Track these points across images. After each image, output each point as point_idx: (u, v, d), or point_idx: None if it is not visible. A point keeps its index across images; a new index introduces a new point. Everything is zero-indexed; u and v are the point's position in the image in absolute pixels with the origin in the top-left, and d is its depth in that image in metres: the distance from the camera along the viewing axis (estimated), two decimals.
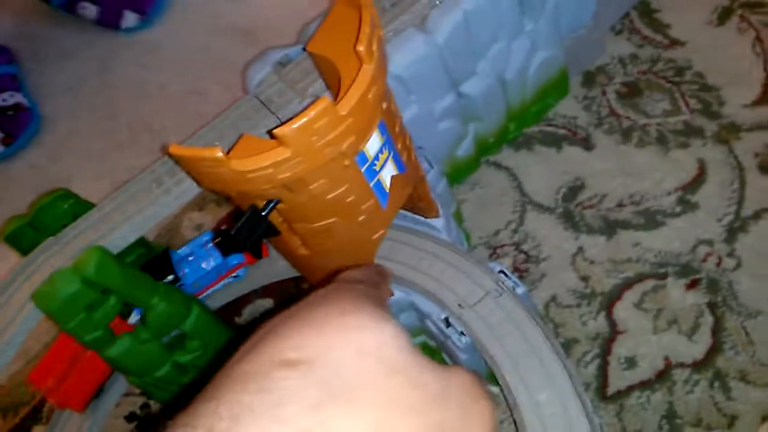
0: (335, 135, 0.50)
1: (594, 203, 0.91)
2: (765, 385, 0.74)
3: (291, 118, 0.47)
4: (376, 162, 0.58)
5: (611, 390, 0.78)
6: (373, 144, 0.57)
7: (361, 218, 0.61)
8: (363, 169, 0.57)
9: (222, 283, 0.84)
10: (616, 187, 0.91)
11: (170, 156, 0.52)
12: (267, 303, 0.99)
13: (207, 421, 0.19)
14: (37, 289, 0.68)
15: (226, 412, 0.19)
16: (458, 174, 0.98)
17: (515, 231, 0.92)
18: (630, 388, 0.78)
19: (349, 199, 0.58)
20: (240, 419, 0.19)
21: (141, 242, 0.88)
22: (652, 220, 0.87)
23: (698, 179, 0.89)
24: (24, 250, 0.77)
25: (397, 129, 0.61)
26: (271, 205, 0.56)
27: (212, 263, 0.81)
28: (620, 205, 0.90)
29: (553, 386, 0.66)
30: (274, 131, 0.48)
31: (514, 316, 0.71)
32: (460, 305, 0.73)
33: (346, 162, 0.54)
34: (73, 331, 0.70)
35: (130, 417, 0.94)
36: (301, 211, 0.58)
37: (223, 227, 0.84)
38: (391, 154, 0.60)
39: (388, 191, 0.62)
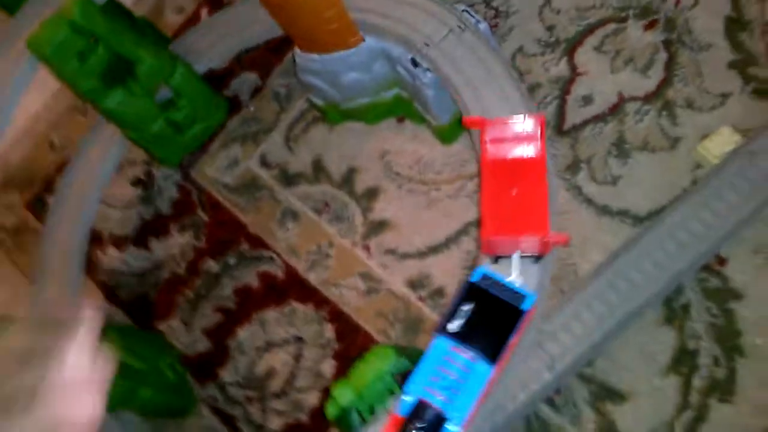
0: None
1: None
2: (709, 109, 0.81)
3: None
4: None
5: (567, 125, 0.85)
6: None
7: None
8: None
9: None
10: None
11: None
12: (252, 77, 1.04)
13: None
14: (29, 36, 0.73)
15: None
16: None
17: None
18: (585, 122, 0.85)
19: None
20: None
21: (123, 11, 0.92)
22: None
23: None
24: (13, 9, 0.81)
25: None
26: None
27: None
28: None
29: (508, 106, 0.72)
30: None
31: (476, 50, 0.76)
32: (426, 44, 0.77)
33: None
34: (68, 80, 0.77)
35: (135, 182, 1.04)
36: None
37: None
38: None
39: None
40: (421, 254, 0.87)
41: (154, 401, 0.80)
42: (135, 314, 0.96)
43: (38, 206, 1.07)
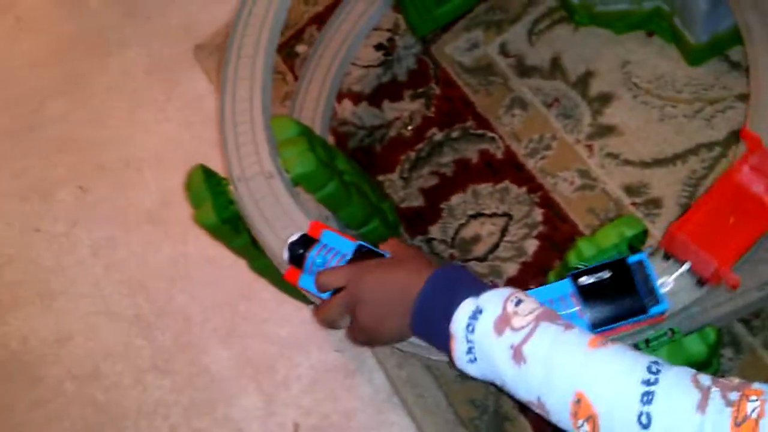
0: None
1: None
2: None
3: None
4: None
5: None
6: None
7: None
8: None
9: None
10: None
11: None
12: None
13: None
14: None
15: None
16: None
17: None
18: None
19: None
20: None
21: None
22: None
23: None
24: None
25: None
26: None
27: None
28: None
29: None
30: None
31: None
32: None
33: None
34: None
35: (378, 47, 1.13)
36: None
37: None
38: None
39: None
40: (644, 164, 0.90)
41: (376, 234, 0.91)
42: (359, 164, 1.07)
43: (287, 52, 1.20)
